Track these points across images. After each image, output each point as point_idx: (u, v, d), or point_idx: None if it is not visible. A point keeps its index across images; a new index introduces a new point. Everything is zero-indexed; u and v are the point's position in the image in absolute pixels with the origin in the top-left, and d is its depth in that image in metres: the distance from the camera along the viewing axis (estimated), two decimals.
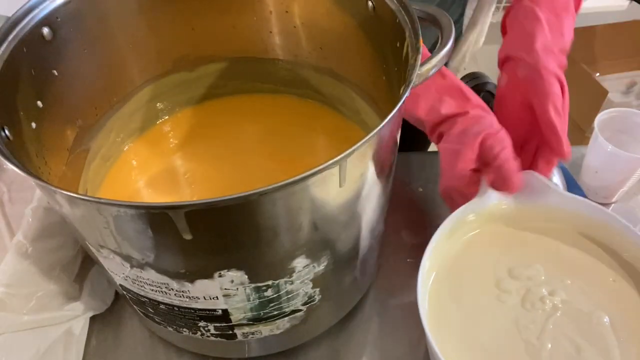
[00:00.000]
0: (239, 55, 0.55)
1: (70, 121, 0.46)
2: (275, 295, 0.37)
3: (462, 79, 0.67)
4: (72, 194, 0.28)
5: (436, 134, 0.50)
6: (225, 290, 0.35)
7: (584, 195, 0.57)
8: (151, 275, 0.34)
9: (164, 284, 0.35)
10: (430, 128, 0.50)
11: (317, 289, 0.39)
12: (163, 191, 0.51)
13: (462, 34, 0.75)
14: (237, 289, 0.35)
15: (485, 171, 0.46)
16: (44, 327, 0.44)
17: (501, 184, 0.45)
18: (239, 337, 0.41)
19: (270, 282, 0.36)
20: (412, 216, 0.58)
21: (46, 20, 0.40)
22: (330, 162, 0.28)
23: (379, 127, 0.30)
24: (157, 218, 0.30)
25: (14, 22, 0.38)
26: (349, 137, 0.53)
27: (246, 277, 0.34)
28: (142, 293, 0.37)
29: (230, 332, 0.40)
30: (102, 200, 0.29)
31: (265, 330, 0.41)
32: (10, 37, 0.38)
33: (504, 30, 0.53)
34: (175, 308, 0.38)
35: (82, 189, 0.48)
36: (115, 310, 0.50)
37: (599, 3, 1.37)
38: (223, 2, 0.50)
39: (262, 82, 0.57)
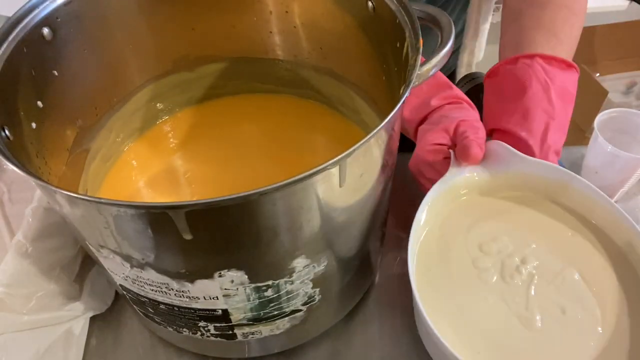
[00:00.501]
0: (239, 55, 0.55)
1: (70, 121, 0.46)
2: (275, 295, 0.37)
3: (461, 79, 0.67)
4: (72, 194, 0.28)
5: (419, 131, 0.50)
6: (225, 290, 0.35)
7: None
8: (151, 275, 0.34)
9: (164, 284, 0.35)
10: (415, 125, 0.50)
11: (317, 289, 0.39)
12: (163, 191, 0.51)
13: (463, 44, 0.75)
14: (237, 289, 0.35)
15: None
16: (44, 327, 0.44)
17: (462, 154, 0.46)
18: (239, 337, 0.41)
19: (270, 282, 0.36)
20: (412, 216, 0.57)
21: (46, 21, 0.40)
22: (330, 162, 0.28)
23: (378, 127, 0.30)
24: (157, 218, 0.30)
25: (14, 22, 0.38)
26: (349, 137, 0.53)
27: (246, 277, 0.34)
28: (142, 293, 0.37)
29: (230, 332, 0.40)
30: (102, 200, 0.29)
31: (265, 330, 0.41)
32: (11, 37, 0.38)
33: (497, 85, 0.52)
34: (175, 308, 0.38)
35: (82, 189, 0.48)
36: (115, 310, 0.50)
37: (599, 3, 1.37)
38: (223, 2, 0.50)
39: (262, 82, 0.57)
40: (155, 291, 0.36)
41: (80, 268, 0.49)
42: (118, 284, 0.39)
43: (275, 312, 0.39)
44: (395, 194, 0.59)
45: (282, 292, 0.37)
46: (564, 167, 0.58)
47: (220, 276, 0.34)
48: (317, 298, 0.40)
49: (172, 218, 0.29)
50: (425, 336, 0.44)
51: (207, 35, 0.53)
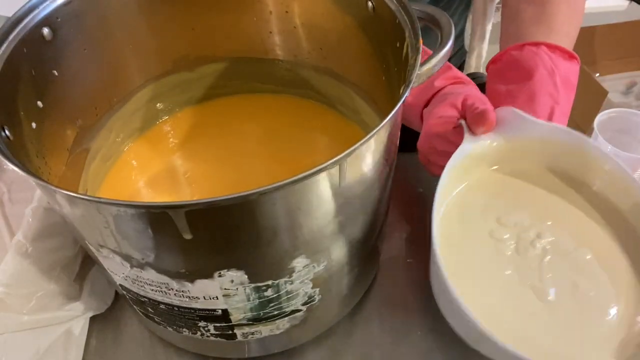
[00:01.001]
0: (239, 55, 0.55)
1: (70, 121, 0.46)
2: (275, 295, 0.37)
3: None
4: (72, 194, 0.28)
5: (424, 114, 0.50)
6: (225, 290, 0.35)
7: None
8: (151, 275, 0.34)
9: (164, 283, 0.35)
10: (420, 110, 0.50)
11: (317, 289, 0.39)
12: (163, 191, 0.51)
13: (470, 46, 0.75)
14: (237, 288, 0.35)
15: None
16: (43, 327, 0.44)
17: (475, 121, 0.45)
18: (239, 337, 0.41)
19: (270, 282, 0.36)
20: (412, 216, 0.58)
21: (46, 20, 0.40)
22: (330, 162, 0.28)
23: (378, 127, 0.31)
24: (157, 217, 0.30)
25: (14, 22, 0.38)
26: (349, 137, 0.53)
27: (246, 277, 0.34)
28: (142, 293, 0.37)
29: (230, 332, 0.40)
30: (102, 200, 0.29)
31: (265, 330, 0.41)
32: (11, 37, 0.38)
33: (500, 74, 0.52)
34: (175, 308, 0.38)
35: (82, 189, 0.48)
36: (115, 310, 0.50)
37: (599, 3, 1.36)
38: (223, 2, 0.50)
39: (262, 82, 0.57)
40: (155, 291, 0.36)
41: (80, 268, 0.49)
42: (118, 283, 0.39)
43: (275, 312, 0.39)
44: (395, 193, 0.59)
45: (282, 292, 0.37)
46: None
47: (220, 276, 0.34)
48: (317, 298, 0.40)
49: (172, 218, 0.29)
50: (441, 294, 0.43)
51: (207, 35, 0.53)
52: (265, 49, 0.54)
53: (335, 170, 0.31)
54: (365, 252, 0.43)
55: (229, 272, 0.34)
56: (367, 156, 0.34)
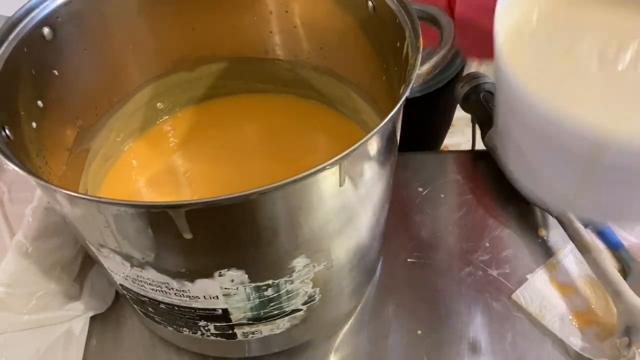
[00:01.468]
0: (239, 55, 0.55)
1: (70, 121, 0.46)
2: (275, 295, 0.37)
3: (462, 79, 0.67)
4: (72, 193, 0.28)
5: None
6: (226, 289, 0.35)
7: None
8: (151, 274, 0.34)
9: (164, 283, 0.35)
10: None
11: (317, 289, 0.39)
12: (163, 191, 0.51)
13: None
14: (237, 288, 0.35)
15: None
16: (44, 327, 0.44)
17: None
18: (239, 337, 0.41)
19: (270, 282, 0.36)
20: (412, 216, 0.58)
21: (46, 20, 0.40)
22: (330, 161, 0.28)
23: (378, 127, 0.31)
24: (157, 217, 0.30)
25: (14, 22, 0.38)
26: (349, 137, 0.53)
27: (246, 276, 0.34)
28: (142, 292, 0.37)
29: (230, 331, 0.40)
30: (102, 200, 0.29)
31: (265, 329, 0.41)
32: (11, 37, 0.38)
33: None
34: (176, 307, 0.38)
35: (82, 189, 0.48)
36: (115, 310, 0.50)
37: None
38: (223, 2, 0.50)
39: (262, 82, 0.57)
40: (156, 290, 0.36)
41: (80, 268, 0.49)
42: (118, 283, 0.39)
43: (275, 312, 0.39)
44: (395, 193, 0.59)
45: (282, 292, 0.37)
46: None
47: (220, 275, 0.34)
48: (317, 298, 0.40)
49: (172, 217, 0.29)
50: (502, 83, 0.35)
51: (207, 35, 0.53)
52: (265, 49, 0.54)
53: (335, 170, 0.31)
54: (366, 252, 0.43)
55: (229, 272, 0.34)
56: (367, 156, 0.34)
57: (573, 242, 0.51)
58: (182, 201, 0.28)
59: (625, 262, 0.52)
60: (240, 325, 0.39)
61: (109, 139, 0.51)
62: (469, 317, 0.49)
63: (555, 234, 0.55)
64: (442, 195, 0.60)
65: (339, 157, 0.29)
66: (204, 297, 0.36)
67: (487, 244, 0.55)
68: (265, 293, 0.36)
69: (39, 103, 0.41)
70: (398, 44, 0.39)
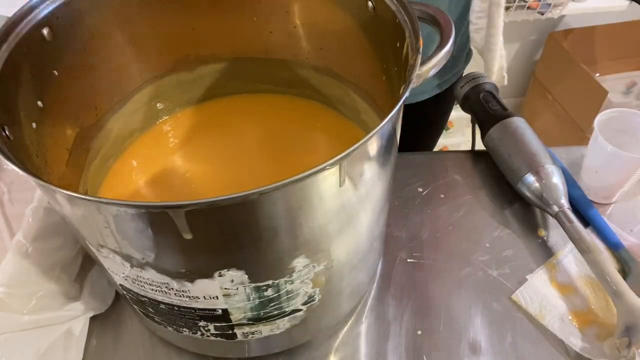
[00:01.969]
0: (239, 55, 0.55)
1: (70, 121, 0.46)
2: (275, 295, 0.37)
3: (461, 79, 0.67)
4: (72, 194, 0.28)
5: None
6: (225, 289, 0.35)
7: (583, 195, 0.57)
8: (151, 274, 0.34)
9: (164, 283, 0.35)
10: None
11: (317, 289, 0.39)
12: (163, 191, 0.51)
13: (468, 40, 0.71)
14: (237, 288, 0.35)
15: None
16: (44, 327, 0.44)
17: None
18: (239, 337, 0.41)
19: (270, 282, 0.36)
20: (412, 216, 0.58)
21: (46, 21, 0.40)
22: (330, 162, 0.28)
23: (378, 127, 0.30)
24: (157, 217, 0.30)
25: (14, 22, 0.38)
26: (349, 137, 0.53)
27: (246, 276, 0.34)
28: (142, 293, 0.37)
29: (230, 331, 0.40)
30: (102, 200, 0.29)
31: (265, 330, 0.41)
32: (11, 37, 0.38)
33: None
34: (175, 308, 0.38)
35: (82, 189, 0.48)
36: (115, 310, 0.50)
37: (599, 3, 1.36)
38: (223, 2, 0.50)
39: (262, 82, 0.57)
40: (156, 291, 0.36)
41: (80, 268, 0.49)
42: (118, 283, 0.39)
43: (275, 312, 0.39)
44: (395, 193, 0.59)
45: (282, 292, 0.37)
46: (564, 168, 0.58)
47: (220, 276, 0.34)
48: (317, 298, 0.40)
49: (172, 218, 0.29)
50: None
51: (207, 36, 0.53)
52: (265, 49, 0.54)
53: (335, 170, 0.31)
54: (365, 252, 0.43)
55: (229, 272, 0.34)
56: (367, 156, 0.34)
57: (573, 242, 0.51)
58: (182, 201, 0.28)
59: (625, 262, 0.52)
60: (240, 325, 0.39)
61: (109, 139, 0.51)
62: (469, 317, 0.49)
63: (555, 234, 0.55)
64: (442, 195, 0.60)
65: (339, 157, 0.29)
66: (204, 297, 0.36)
67: (487, 244, 0.55)
68: (265, 293, 0.36)
69: (39, 103, 0.41)
70: (398, 44, 0.39)
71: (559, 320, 0.48)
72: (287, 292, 0.37)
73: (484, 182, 0.61)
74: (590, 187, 0.58)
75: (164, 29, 0.50)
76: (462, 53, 0.76)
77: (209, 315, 0.38)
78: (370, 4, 0.42)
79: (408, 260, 0.54)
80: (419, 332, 0.48)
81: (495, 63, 0.69)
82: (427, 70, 0.36)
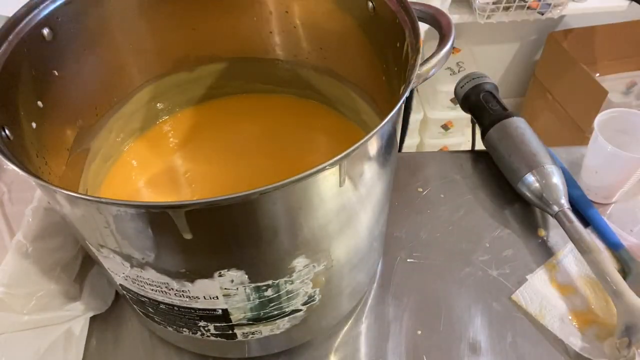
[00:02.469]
0: (239, 55, 0.55)
1: (70, 121, 0.46)
2: (275, 295, 0.37)
3: (461, 79, 0.67)
4: (72, 194, 0.28)
5: None
6: (225, 289, 0.35)
7: (583, 195, 0.57)
8: (151, 274, 0.34)
9: (164, 283, 0.35)
10: None
11: (317, 289, 0.39)
12: (163, 191, 0.51)
13: None
14: (237, 288, 0.35)
15: None
16: (44, 327, 0.44)
17: None
18: (239, 337, 0.41)
19: (270, 282, 0.36)
20: (412, 216, 0.58)
21: (46, 21, 0.40)
22: (330, 162, 0.28)
23: (378, 127, 0.31)
24: (157, 217, 0.30)
25: (14, 22, 0.38)
26: (349, 137, 0.53)
27: (246, 276, 0.34)
28: (142, 293, 0.37)
29: (230, 332, 0.40)
30: (102, 200, 0.29)
31: (265, 330, 0.41)
32: (11, 37, 0.38)
33: None
34: (175, 308, 0.38)
35: (82, 189, 0.48)
36: (115, 310, 0.50)
37: (599, 3, 1.36)
38: (223, 2, 0.50)
39: (262, 82, 0.57)
40: (156, 291, 0.36)
41: (80, 268, 0.49)
42: (118, 283, 0.39)
43: (275, 312, 0.39)
44: (395, 193, 0.59)
45: (282, 292, 0.37)
46: (564, 168, 0.58)
47: (220, 276, 0.34)
48: (317, 298, 0.40)
49: (172, 218, 0.29)
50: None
51: (207, 35, 0.53)
52: (265, 49, 0.54)
53: (335, 170, 0.31)
54: (365, 252, 0.43)
55: (229, 272, 0.34)
56: (367, 156, 0.34)
57: (573, 242, 0.51)
58: (182, 201, 0.28)
59: (625, 262, 0.52)
60: (240, 325, 0.39)
61: (109, 139, 0.51)
62: (469, 317, 0.49)
63: (555, 234, 0.55)
64: (442, 195, 0.60)
65: (339, 157, 0.29)
66: (204, 297, 0.36)
67: (487, 244, 0.55)
68: (265, 293, 0.36)
69: (39, 103, 0.41)
70: (398, 44, 0.39)
71: (559, 320, 0.48)
72: (287, 292, 0.37)
73: (483, 182, 0.61)
74: (590, 187, 0.58)
75: (163, 28, 0.51)
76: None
77: (209, 315, 0.38)
78: (370, 4, 0.42)
79: (408, 260, 0.54)
80: (419, 332, 0.48)
81: None
82: (427, 70, 0.36)
